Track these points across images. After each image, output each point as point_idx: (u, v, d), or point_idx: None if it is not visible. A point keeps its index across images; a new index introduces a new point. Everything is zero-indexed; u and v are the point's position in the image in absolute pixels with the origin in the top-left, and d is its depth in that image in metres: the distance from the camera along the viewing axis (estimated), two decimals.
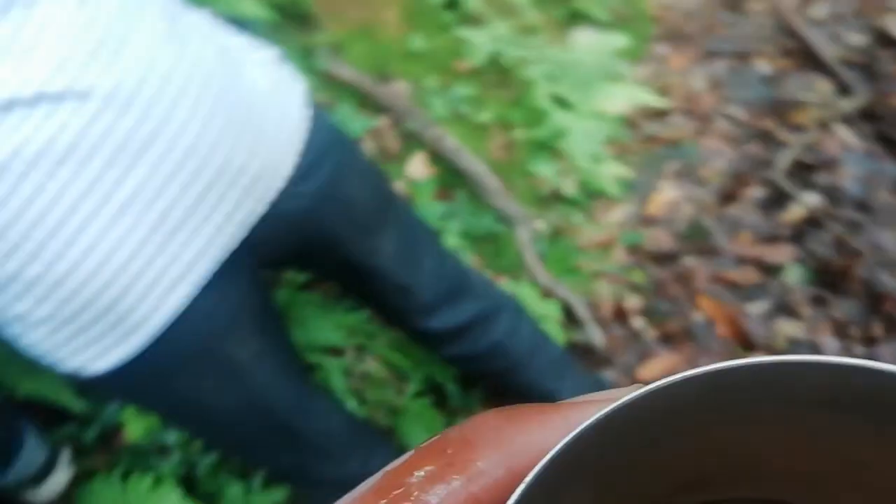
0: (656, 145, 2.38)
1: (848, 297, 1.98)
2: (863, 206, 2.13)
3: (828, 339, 1.91)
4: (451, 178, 2.03)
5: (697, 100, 2.59)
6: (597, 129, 2.15)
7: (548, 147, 2.13)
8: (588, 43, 2.28)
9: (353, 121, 2.03)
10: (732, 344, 1.92)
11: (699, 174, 2.33)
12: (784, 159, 2.19)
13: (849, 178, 2.22)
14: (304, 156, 1.06)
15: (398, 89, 2.21)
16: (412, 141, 2.09)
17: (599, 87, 2.12)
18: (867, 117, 2.36)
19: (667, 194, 2.26)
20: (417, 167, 2.04)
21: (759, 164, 2.32)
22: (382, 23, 2.28)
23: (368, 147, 2.07)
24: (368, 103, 2.14)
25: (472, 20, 2.34)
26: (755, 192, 2.24)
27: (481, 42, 2.19)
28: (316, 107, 1.12)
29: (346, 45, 2.23)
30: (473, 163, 1.99)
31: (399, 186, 1.96)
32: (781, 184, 2.16)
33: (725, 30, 2.91)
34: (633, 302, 2.00)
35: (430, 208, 1.89)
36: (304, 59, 2.05)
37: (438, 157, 2.03)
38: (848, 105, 2.32)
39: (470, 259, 1.85)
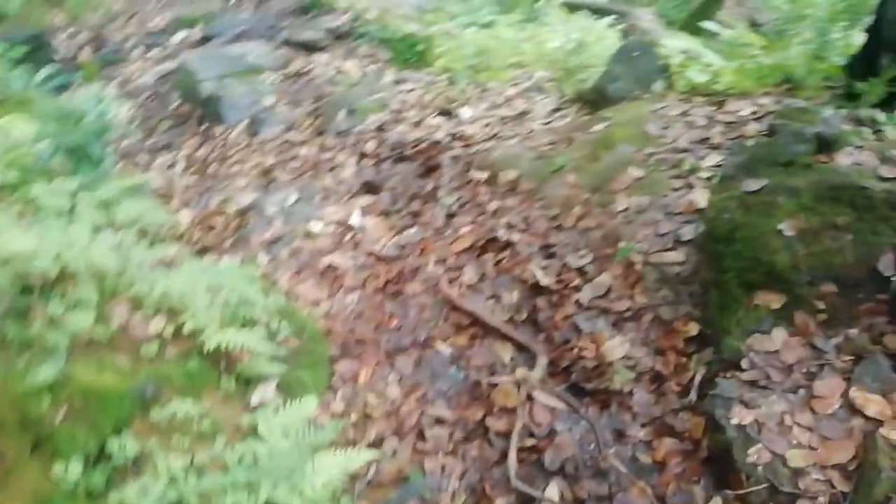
0: (381, 493, 2.09)
1: None
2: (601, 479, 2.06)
3: None
4: None
5: (398, 413, 2.42)
6: None
7: None
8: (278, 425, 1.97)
9: None
10: None
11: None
12: (512, 458, 2.06)
13: (569, 447, 2.16)
14: None
15: None
16: None
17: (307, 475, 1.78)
18: (555, 375, 2.40)
19: None
20: None
21: (490, 468, 2.16)
22: None
23: None
24: None
25: None
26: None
27: None
28: None
29: None
30: None
31: None
32: (521, 488, 2.00)
33: (395, 320, 2.88)
34: None
35: None
36: None
37: None
38: (538, 372, 2.34)
39: None
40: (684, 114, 3.21)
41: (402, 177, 3.77)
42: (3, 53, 4.53)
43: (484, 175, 3.47)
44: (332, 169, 3.93)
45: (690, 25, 10.47)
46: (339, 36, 5.48)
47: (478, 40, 5.63)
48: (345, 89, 4.75)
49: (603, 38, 6.19)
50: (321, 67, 5.07)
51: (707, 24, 4.94)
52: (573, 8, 8.29)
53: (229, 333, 2.30)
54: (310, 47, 5.36)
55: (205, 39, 5.90)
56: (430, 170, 3.73)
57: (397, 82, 4.99)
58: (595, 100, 3.68)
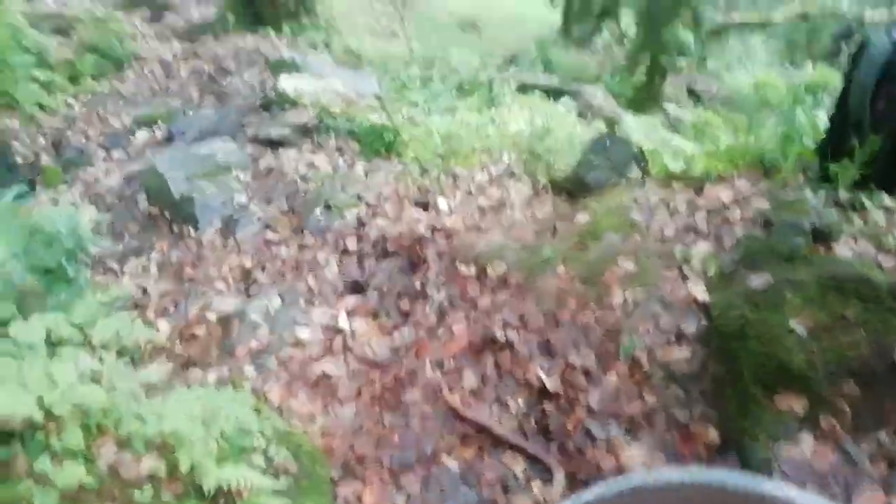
0: None
1: None
2: None
3: None
4: None
5: None
6: None
7: None
8: None
9: None
10: None
11: None
12: None
13: None
14: None
15: None
16: None
17: None
18: (575, 488, 2.31)
19: None
20: None
21: None
22: None
23: None
24: None
25: None
26: None
27: None
28: None
29: None
30: None
31: None
32: None
33: (397, 433, 2.75)
34: None
35: None
36: None
37: None
38: (558, 487, 2.24)
39: None
40: (665, 201, 3.26)
41: (388, 274, 3.71)
42: None
43: (472, 269, 3.43)
44: (314, 269, 3.85)
45: (638, 101, 10.93)
46: (306, 131, 5.49)
47: (443, 127, 5.71)
48: (318, 185, 4.72)
49: (563, 121, 6.37)
50: (291, 163, 5.05)
51: (667, 106, 5.09)
52: (526, 89, 8.57)
53: (228, 470, 2.16)
54: (277, 143, 5.34)
55: (168, 139, 5.84)
56: (416, 265, 3.69)
57: (369, 173, 5.00)
58: (573, 188, 3.72)
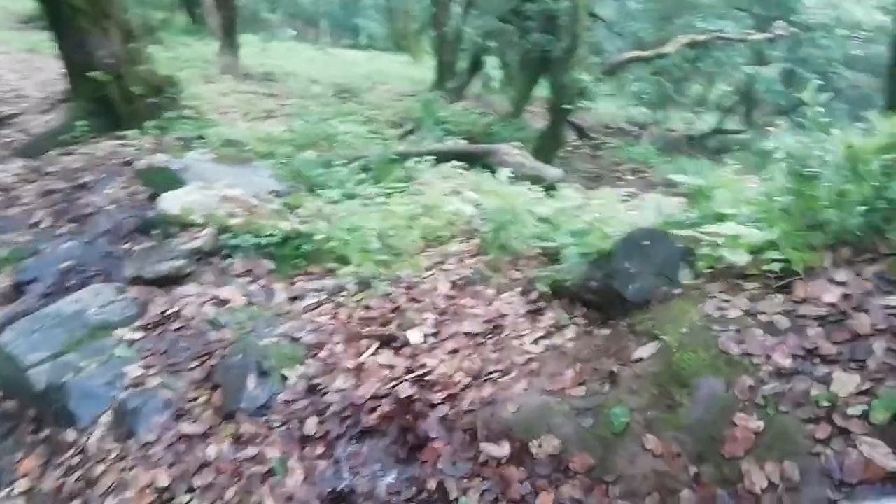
0: None
1: None
2: None
3: None
4: None
5: None
6: None
7: None
8: None
9: None
10: None
11: None
12: None
13: None
14: None
15: None
16: None
17: None
18: None
19: None
20: None
21: None
22: None
23: None
24: None
25: None
26: None
27: None
28: None
29: None
30: None
31: None
32: None
33: None
34: None
35: None
36: None
37: None
38: None
39: None
40: (751, 314, 2.41)
41: (379, 466, 2.61)
42: None
43: (505, 447, 2.42)
44: (266, 479, 2.67)
45: (542, 148, 10.42)
46: (204, 257, 4.29)
47: (368, 221, 4.71)
48: (237, 332, 3.55)
49: (496, 190, 5.56)
50: (193, 306, 3.83)
51: (675, 177, 4.34)
52: (439, 159, 7.75)
53: None
54: (170, 280, 4.11)
55: (16, 293, 4.42)
56: (416, 447, 2.62)
57: (295, 300, 3.91)
58: (603, 304, 2.82)
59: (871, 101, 15.70)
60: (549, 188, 7.33)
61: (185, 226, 4.49)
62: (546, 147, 10.21)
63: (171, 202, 4.57)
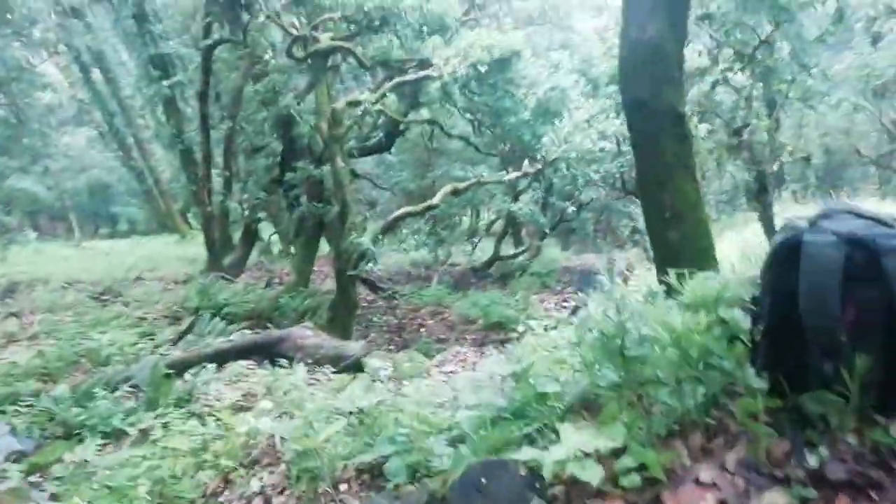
0: None
1: None
2: None
3: None
4: None
5: None
6: None
7: None
8: None
9: None
10: None
11: None
12: None
13: None
14: None
15: None
16: None
17: None
18: None
19: None
20: None
21: None
22: None
23: None
24: None
25: None
26: None
27: None
28: None
29: None
30: None
31: None
32: None
33: None
34: None
35: None
36: None
37: None
38: None
39: None
40: None
41: None
42: None
43: None
44: None
45: (336, 320, 9.95)
46: None
47: (139, 472, 3.85)
48: None
49: (293, 400, 4.99)
50: None
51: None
52: (225, 359, 7.00)
53: None
54: None
55: None
56: None
57: None
58: None
59: (612, 207, 17.91)
60: (356, 366, 6.82)
61: None
62: (340, 313, 9.79)
63: None
